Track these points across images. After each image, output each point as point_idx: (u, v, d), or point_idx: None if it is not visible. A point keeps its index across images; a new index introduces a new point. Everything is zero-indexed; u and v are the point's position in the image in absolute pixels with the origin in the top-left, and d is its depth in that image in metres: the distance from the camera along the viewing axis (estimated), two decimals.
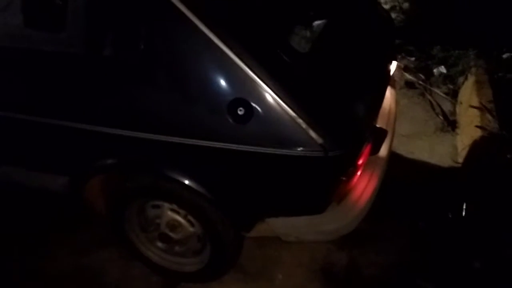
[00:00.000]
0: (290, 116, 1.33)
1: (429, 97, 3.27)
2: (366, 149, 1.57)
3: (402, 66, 3.61)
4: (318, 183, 1.48)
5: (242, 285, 1.94)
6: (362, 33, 1.89)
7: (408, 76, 3.49)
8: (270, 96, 1.33)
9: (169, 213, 1.73)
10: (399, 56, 3.72)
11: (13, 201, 2.17)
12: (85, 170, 1.66)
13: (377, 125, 1.79)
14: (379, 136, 1.68)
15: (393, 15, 4.21)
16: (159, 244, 1.86)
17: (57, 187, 1.75)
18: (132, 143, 1.49)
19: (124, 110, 1.48)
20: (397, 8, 4.17)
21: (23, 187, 1.88)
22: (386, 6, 4.41)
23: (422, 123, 3.00)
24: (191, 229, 1.74)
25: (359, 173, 1.61)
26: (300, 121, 1.33)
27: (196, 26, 1.33)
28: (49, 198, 1.87)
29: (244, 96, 1.34)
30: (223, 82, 1.35)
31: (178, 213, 1.72)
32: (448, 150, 2.74)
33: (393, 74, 2.13)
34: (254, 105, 1.34)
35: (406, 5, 4.20)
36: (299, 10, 1.73)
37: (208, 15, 1.35)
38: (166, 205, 1.72)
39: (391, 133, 1.92)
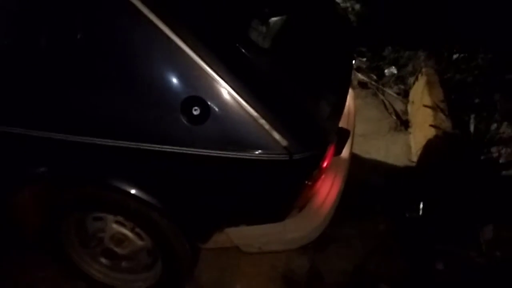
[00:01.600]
0: (252, 116, 1.21)
1: (381, 97, 3.30)
2: (330, 151, 1.49)
3: (355, 66, 3.62)
4: (282, 189, 1.37)
5: None
6: (323, 31, 1.82)
7: (361, 77, 3.50)
8: (229, 93, 1.20)
9: (114, 225, 1.55)
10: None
11: None
12: (12, 181, 1.44)
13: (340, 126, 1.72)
14: (343, 136, 1.60)
15: None
16: (103, 260, 1.67)
17: None
18: (67, 148, 1.30)
19: (58, 110, 1.28)
20: (349, 9, 4.19)
21: None
22: None
23: (376, 122, 3.01)
24: (139, 242, 1.57)
25: (323, 176, 1.52)
26: (262, 121, 1.22)
27: (144, 16, 1.17)
28: None
29: (199, 94, 1.20)
30: (175, 78, 1.21)
31: (124, 225, 1.54)
32: (403, 149, 2.75)
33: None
34: (211, 104, 1.20)
35: (357, 6, 4.23)
36: (257, 4, 1.61)
37: (159, 4, 1.20)
38: (110, 217, 1.54)
39: (352, 133, 1.86)
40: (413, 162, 2.62)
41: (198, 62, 1.18)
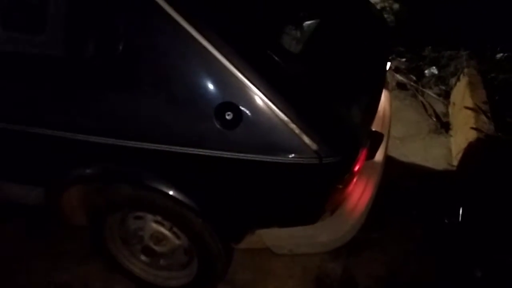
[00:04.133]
0: (282, 120, 1.23)
1: (421, 98, 3.22)
2: (363, 155, 1.47)
3: (393, 67, 3.55)
4: (312, 192, 1.38)
5: None
6: (356, 33, 1.81)
7: (400, 78, 3.43)
8: (260, 99, 1.23)
9: (153, 225, 1.62)
10: (390, 57, 3.66)
11: None
12: (61, 180, 1.54)
13: (373, 129, 1.69)
14: (376, 140, 1.58)
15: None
16: (143, 257, 1.75)
17: (31, 200, 1.64)
18: (112, 151, 1.38)
19: (103, 116, 1.36)
20: (387, 9, 4.11)
21: None
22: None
23: (415, 125, 2.94)
24: (177, 241, 1.63)
25: (355, 180, 1.52)
26: (293, 126, 1.23)
27: (179, 25, 1.23)
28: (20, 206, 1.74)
29: (232, 100, 1.24)
30: (209, 85, 1.25)
31: (162, 225, 1.61)
32: (442, 152, 2.67)
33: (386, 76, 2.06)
34: (243, 109, 1.24)
35: (396, 6, 4.14)
36: (289, 10, 1.64)
37: (193, 14, 1.25)
38: (150, 216, 1.60)
39: (386, 136, 1.84)
40: (453, 166, 2.54)
41: (230, 69, 1.22)
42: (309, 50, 1.49)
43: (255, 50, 1.30)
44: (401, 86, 3.35)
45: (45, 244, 2.00)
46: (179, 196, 1.41)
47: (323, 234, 1.50)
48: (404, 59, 3.66)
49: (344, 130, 1.36)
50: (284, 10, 1.61)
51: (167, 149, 1.31)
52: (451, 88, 3.23)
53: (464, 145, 2.49)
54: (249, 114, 1.24)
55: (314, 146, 1.24)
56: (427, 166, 2.56)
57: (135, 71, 1.30)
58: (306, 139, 1.24)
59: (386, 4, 4.22)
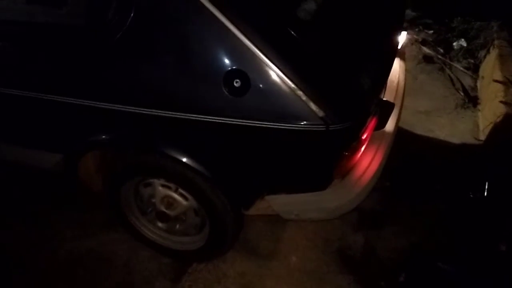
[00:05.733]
0: (290, 87, 1.24)
1: (448, 72, 3.13)
2: (371, 123, 1.48)
3: (420, 39, 3.46)
4: (320, 158, 1.40)
5: (255, 267, 1.88)
6: (367, 1, 1.77)
7: (427, 50, 3.34)
8: (267, 66, 1.23)
9: (161, 189, 1.67)
10: (417, 29, 3.56)
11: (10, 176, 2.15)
12: (78, 146, 1.60)
13: (384, 98, 1.69)
14: (385, 109, 1.58)
15: None
16: (159, 223, 1.82)
17: (51, 166, 1.71)
18: (125, 118, 1.42)
19: (118, 84, 1.40)
20: None
21: (18, 166, 1.84)
22: None
23: (442, 99, 2.87)
24: (184, 202, 1.68)
25: (363, 148, 1.52)
26: (300, 93, 1.24)
27: None
28: (49, 175, 1.82)
29: (240, 67, 1.25)
30: (218, 52, 1.26)
31: (169, 188, 1.66)
32: (469, 127, 2.62)
33: (402, 46, 2.03)
34: (251, 76, 1.25)
35: None
36: None
37: None
38: (157, 181, 1.66)
39: (398, 107, 1.82)
40: (480, 140, 2.49)
41: (238, 36, 1.23)
42: (318, 17, 1.48)
43: (263, 18, 1.31)
44: (428, 59, 3.26)
45: (73, 213, 2.08)
46: (190, 162, 1.44)
47: (329, 200, 1.51)
48: (431, 31, 3.55)
49: (351, 98, 1.36)
50: None
51: (178, 115, 1.34)
52: (480, 62, 3.13)
53: (492, 119, 2.43)
54: (256, 81, 1.25)
55: (320, 113, 1.25)
56: (453, 141, 2.52)
57: (148, 39, 1.32)
58: (313, 106, 1.25)
59: None
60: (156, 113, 1.36)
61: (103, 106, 1.41)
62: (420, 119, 2.66)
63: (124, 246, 1.95)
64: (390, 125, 1.67)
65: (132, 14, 1.29)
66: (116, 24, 1.32)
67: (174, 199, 1.68)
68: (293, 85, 1.24)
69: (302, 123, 1.26)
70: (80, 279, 1.85)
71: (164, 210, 1.72)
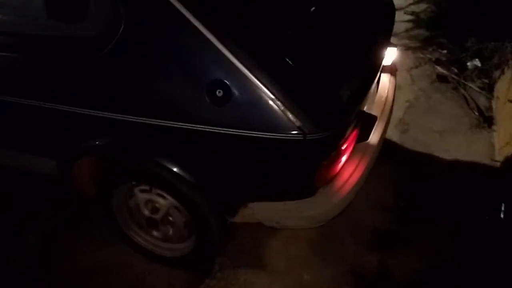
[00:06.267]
0: (268, 97, 1.29)
1: (463, 91, 3.12)
2: (352, 134, 1.53)
3: (434, 59, 3.46)
4: (298, 167, 1.43)
5: (267, 284, 1.87)
6: (352, 12, 1.82)
7: (441, 70, 3.34)
8: (247, 77, 1.29)
9: (141, 195, 1.73)
10: (431, 49, 3.57)
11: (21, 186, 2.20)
12: (71, 151, 1.64)
13: (369, 112, 1.73)
14: (368, 122, 1.63)
15: (424, 6, 4.04)
16: (147, 229, 1.86)
17: (47, 170, 1.76)
18: (114, 125, 1.47)
19: (105, 92, 1.46)
20: None
21: (15, 171, 1.90)
22: None
23: (456, 119, 2.86)
24: (163, 201, 1.71)
25: (344, 158, 1.55)
26: (278, 103, 1.29)
27: (173, 6, 1.30)
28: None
29: (222, 78, 1.31)
30: (201, 63, 1.33)
31: (147, 191, 1.71)
32: (484, 148, 2.59)
33: (394, 61, 2.07)
34: (232, 86, 1.31)
35: None
36: None
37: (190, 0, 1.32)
38: (137, 189, 1.72)
39: (384, 121, 1.87)
40: (495, 161, 2.46)
41: (221, 49, 1.29)
42: (298, 28, 1.52)
43: (245, 32, 1.37)
44: (442, 78, 3.26)
45: (88, 225, 2.09)
46: (175, 168, 1.48)
47: (308, 208, 1.53)
48: (445, 51, 3.55)
49: (329, 108, 1.40)
50: None
51: (164, 123, 1.39)
52: (495, 81, 3.11)
53: (507, 140, 2.41)
54: (237, 91, 1.31)
55: (298, 123, 1.30)
56: (468, 161, 2.50)
57: (137, 51, 1.39)
58: (290, 116, 1.29)
59: None
60: (143, 121, 1.41)
61: (93, 114, 1.47)
62: (434, 139, 2.64)
63: (137, 259, 1.95)
64: (374, 138, 1.71)
65: (122, 28, 1.36)
66: (107, 36, 1.39)
67: (155, 201, 1.72)
68: (271, 95, 1.29)
69: (280, 133, 1.31)
70: None
71: (152, 215, 1.77)
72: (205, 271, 1.91)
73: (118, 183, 1.73)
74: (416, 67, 3.39)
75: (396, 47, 2.09)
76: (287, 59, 1.38)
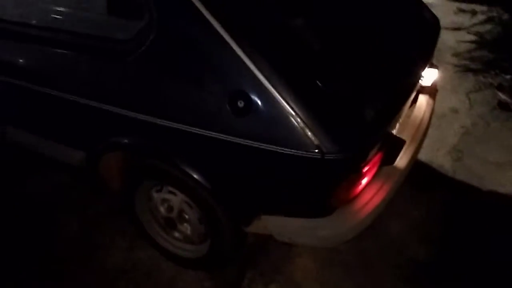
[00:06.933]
0: (289, 113, 1.27)
1: None
2: (376, 157, 1.47)
3: (496, 84, 3.25)
4: (314, 186, 1.40)
5: None
6: (390, 29, 1.76)
7: (502, 96, 3.13)
8: (270, 91, 1.28)
9: (157, 194, 1.78)
10: (493, 73, 3.36)
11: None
12: (100, 145, 1.70)
13: (398, 134, 1.65)
14: (395, 145, 1.55)
15: (489, 26, 3.83)
16: (165, 227, 1.88)
17: (76, 161, 1.82)
18: (141, 125, 1.50)
19: (134, 93, 1.50)
20: (496, 19, 3.78)
21: (44, 157, 1.97)
22: (482, 17, 4.03)
23: None
24: (173, 198, 1.74)
25: (365, 180, 1.49)
26: (298, 119, 1.27)
27: (204, 18, 1.31)
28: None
29: (245, 89, 1.31)
30: (226, 73, 1.33)
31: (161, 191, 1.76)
32: None
33: (434, 82, 1.97)
34: (254, 98, 1.30)
35: (506, 16, 3.79)
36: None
37: (214, 5, 1.34)
38: (154, 189, 1.77)
39: (415, 145, 1.78)
40: None
41: (246, 62, 1.29)
42: (326, 44, 1.49)
43: (271, 47, 1.35)
44: (503, 105, 3.05)
45: (127, 223, 2.09)
46: (194, 173, 1.50)
47: (323, 228, 1.48)
48: (509, 76, 3.33)
49: (352, 129, 1.35)
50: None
51: (185, 128, 1.41)
52: None
53: None
54: (259, 104, 1.30)
55: (316, 141, 1.27)
56: None
57: (166, 57, 1.41)
58: (309, 134, 1.27)
59: (495, 14, 3.88)
60: (165, 124, 1.44)
61: (122, 113, 1.52)
62: (490, 171, 2.47)
63: (169, 263, 1.95)
64: (401, 162, 1.65)
65: (153, 34, 1.40)
66: (139, 40, 1.43)
67: (169, 200, 1.76)
68: (291, 111, 1.27)
69: (298, 150, 1.29)
70: None
71: (170, 215, 1.80)
72: (234, 284, 1.88)
73: (140, 180, 1.77)
74: (476, 91, 3.21)
75: (437, 67, 2.00)
76: (312, 74, 1.36)
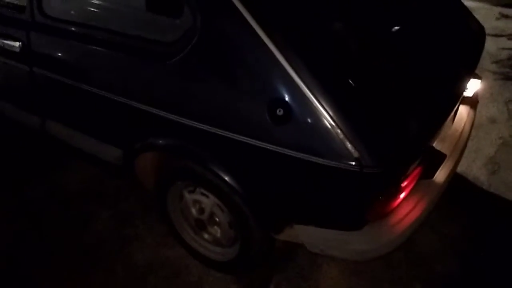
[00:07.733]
0: (329, 124, 1.25)
1: None
2: (415, 171, 1.44)
3: None
4: (351, 199, 1.38)
5: None
6: (435, 38, 1.70)
7: None
8: (310, 101, 1.26)
9: (189, 195, 1.79)
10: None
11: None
12: (137, 144, 1.72)
13: (438, 147, 1.61)
14: (435, 159, 1.52)
15: None
16: (195, 228, 1.89)
17: (112, 159, 1.86)
18: (177, 127, 1.51)
19: (174, 96, 1.50)
20: None
21: (81, 153, 2.01)
22: None
23: None
24: (205, 200, 1.75)
25: (402, 195, 1.46)
26: (338, 131, 1.25)
27: (249, 24, 1.30)
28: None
29: (285, 98, 1.29)
30: (267, 80, 1.32)
31: (193, 192, 1.78)
32: None
33: (475, 93, 1.92)
34: (294, 108, 1.29)
35: None
36: (357, 11, 1.60)
37: (259, 11, 1.32)
38: (186, 190, 1.79)
39: (455, 159, 1.73)
40: None
41: (288, 70, 1.28)
42: (374, 50, 1.46)
43: (314, 54, 1.33)
44: None
45: (158, 219, 2.14)
46: (228, 178, 1.51)
47: (357, 242, 1.45)
48: None
49: (393, 142, 1.31)
50: (350, 10, 1.58)
51: (223, 133, 1.41)
52: None
53: None
54: (298, 113, 1.29)
55: (356, 154, 1.25)
56: None
57: (207, 61, 1.41)
58: (349, 146, 1.24)
59: None
60: (203, 127, 1.45)
61: (160, 114, 1.54)
62: None
63: (197, 263, 1.96)
64: (440, 177, 1.61)
65: (195, 39, 1.40)
66: (181, 44, 1.43)
67: (201, 201, 1.77)
68: (332, 122, 1.25)
69: (336, 161, 1.27)
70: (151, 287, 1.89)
71: (200, 217, 1.81)
72: None
73: (174, 181, 1.79)
74: None
75: (480, 78, 1.94)
76: (354, 84, 1.32)
